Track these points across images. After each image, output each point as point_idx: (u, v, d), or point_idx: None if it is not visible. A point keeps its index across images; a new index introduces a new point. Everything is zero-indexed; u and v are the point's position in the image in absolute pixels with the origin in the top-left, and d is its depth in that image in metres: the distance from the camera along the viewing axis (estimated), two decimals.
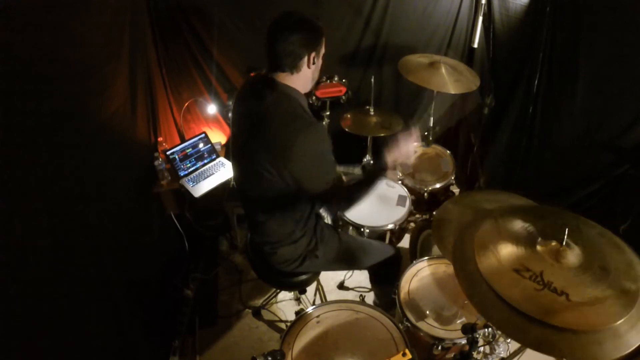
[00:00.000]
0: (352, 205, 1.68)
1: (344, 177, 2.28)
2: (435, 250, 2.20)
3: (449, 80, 2.33)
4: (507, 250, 1.17)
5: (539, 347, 0.97)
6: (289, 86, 1.50)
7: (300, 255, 1.73)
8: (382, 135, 2.63)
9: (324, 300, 2.32)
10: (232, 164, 1.72)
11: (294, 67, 1.47)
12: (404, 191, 2.29)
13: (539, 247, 1.16)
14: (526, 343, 0.99)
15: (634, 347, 0.95)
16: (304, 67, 1.49)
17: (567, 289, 1.04)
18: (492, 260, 1.14)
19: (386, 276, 1.98)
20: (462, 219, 1.65)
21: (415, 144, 1.74)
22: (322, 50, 1.53)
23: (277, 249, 1.71)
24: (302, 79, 1.52)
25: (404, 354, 1.25)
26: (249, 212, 1.76)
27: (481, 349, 1.60)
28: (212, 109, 2.73)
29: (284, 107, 1.47)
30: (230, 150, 1.73)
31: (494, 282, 1.08)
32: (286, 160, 1.43)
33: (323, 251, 1.76)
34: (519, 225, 1.25)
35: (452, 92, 2.31)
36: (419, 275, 1.82)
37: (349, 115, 2.72)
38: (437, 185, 2.44)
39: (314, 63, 1.50)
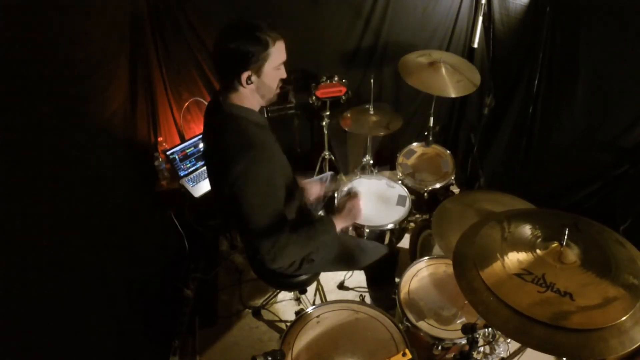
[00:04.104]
0: (301, 251, 1.56)
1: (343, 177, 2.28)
2: (436, 250, 2.20)
3: (450, 82, 2.33)
4: (508, 255, 1.16)
5: (543, 348, 0.97)
6: (234, 105, 1.42)
7: (296, 261, 1.73)
8: (382, 134, 2.64)
9: (324, 300, 2.32)
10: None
11: (232, 87, 1.40)
12: (404, 191, 2.29)
13: (539, 250, 1.16)
14: (531, 344, 0.99)
15: (639, 343, 0.94)
16: (241, 88, 1.39)
17: (570, 289, 1.04)
18: (493, 265, 1.14)
19: (384, 275, 1.98)
20: (462, 218, 1.65)
21: (359, 200, 1.68)
22: (269, 65, 1.37)
23: None
24: (245, 97, 1.43)
25: (404, 354, 1.25)
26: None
27: (481, 349, 1.60)
28: None
29: (227, 129, 1.40)
30: None
31: (496, 288, 1.07)
32: (226, 183, 1.36)
33: (320, 254, 1.76)
34: (518, 228, 1.25)
35: (453, 95, 2.31)
36: (419, 275, 1.82)
37: (348, 115, 2.72)
38: (437, 185, 2.44)
39: (249, 82, 1.37)
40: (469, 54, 2.97)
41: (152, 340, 2.09)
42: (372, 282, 2.08)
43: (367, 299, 2.16)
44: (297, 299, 2.48)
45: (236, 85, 1.39)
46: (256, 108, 1.49)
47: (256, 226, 1.40)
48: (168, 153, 2.46)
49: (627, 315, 0.97)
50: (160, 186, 2.45)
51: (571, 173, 2.37)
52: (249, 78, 1.36)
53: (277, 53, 1.37)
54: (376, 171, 3.04)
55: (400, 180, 2.46)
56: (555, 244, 1.15)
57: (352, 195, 1.69)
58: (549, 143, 2.48)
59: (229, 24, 1.34)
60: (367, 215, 2.13)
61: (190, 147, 2.56)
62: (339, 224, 1.62)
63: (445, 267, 1.85)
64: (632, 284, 1.04)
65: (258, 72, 1.37)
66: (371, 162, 2.95)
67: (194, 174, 2.53)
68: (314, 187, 1.95)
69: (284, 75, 1.45)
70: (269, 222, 1.41)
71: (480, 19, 2.77)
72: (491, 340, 1.57)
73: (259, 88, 1.42)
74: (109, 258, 1.67)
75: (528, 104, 2.52)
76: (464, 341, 1.52)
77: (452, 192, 2.54)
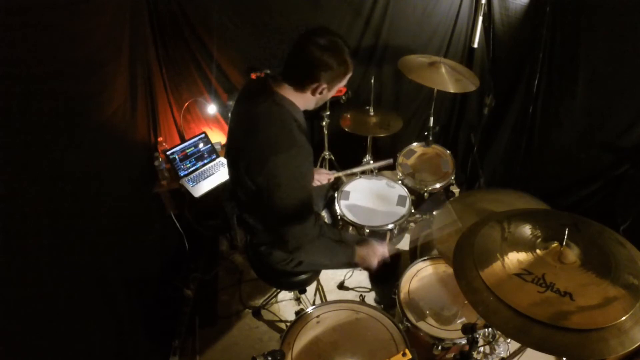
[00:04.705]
0: (310, 257, 1.63)
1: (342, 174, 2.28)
2: (435, 250, 2.20)
3: (449, 79, 2.33)
4: (508, 255, 1.16)
5: (543, 348, 0.97)
6: (287, 99, 1.46)
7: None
8: (381, 135, 2.64)
9: (324, 300, 2.32)
10: (227, 163, 1.73)
11: (299, 86, 1.45)
12: (404, 191, 2.29)
13: (539, 250, 1.16)
14: (531, 344, 0.99)
15: (639, 343, 0.94)
16: (308, 92, 1.46)
17: (570, 289, 1.04)
18: (493, 265, 1.14)
19: (385, 275, 1.98)
20: (464, 221, 1.65)
21: (384, 254, 1.74)
22: (338, 85, 1.48)
23: (272, 250, 1.71)
24: (303, 99, 1.50)
25: (404, 354, 1.25)
26: (241, 213, 1.76)
27: (481, 349, 1.60)
28: (212, 109, 2.73)
29: (275, 118, 1.43)
30: (225, 150, 1.74)
31: (496, 288, 1.07)
32: (261, 171, 1.40)
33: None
34: (518, 228, 1.25)
35: (452, 90, 2.31)
36: (419, 275, 1.82)
37: (348, 115, 2.72)
38: (437, 185, 2.44)
39: (320, 93, 1.46)
40: (469, 54, 2.97)
41: (152, 340, 2.09)
42: (374, 280, 2.08)
43: (367, 299, 2.16)
44: (297, 299, 2.48)
45: (303, 87, 1.45)
46: (302, 109, 1.55)
47: (285, 216, 1.45)
48: (168, 153, 2.46)
49: (627, 315, 0.97)
50: (160, 186, 2.45)
51: (571, 173, 2.37)
52: (324, 90, 1.45)
53: (347, 78, 1.50)
54: (376, 171, 3.04)
55: (400, 180, 2.46)
56: (555, 244, 1.15)
57: (381, 243, 1.75)
58: (549, 143, 2.48)
59: (325, 32, 1.41)
60: (367, 216, 2.13)
61: (190, 147, 2.56)
62: (357, 259, 1.68)
63: (445, 267, 1.85)
64: (632, 284, 1.04)
65: (330, 87, 1.47)
66: (371, 162, 2.95)
67: (194, 174, 2.53)
68: (321, 175, 2.09)
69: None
70: (298, 213, 1.46)
71: (480, 19, 2.76)
72: (491, 340, 1.57)
73: (321, 99, 1.52)
74: (109, 258, 1.67)
75: (528, 103, 2.52)
76: (464, 341, 1.52)
77: (452, 192, 2.55)
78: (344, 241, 1.71)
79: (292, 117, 1.46)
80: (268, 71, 2.25)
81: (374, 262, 1.69)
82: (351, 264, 1.74)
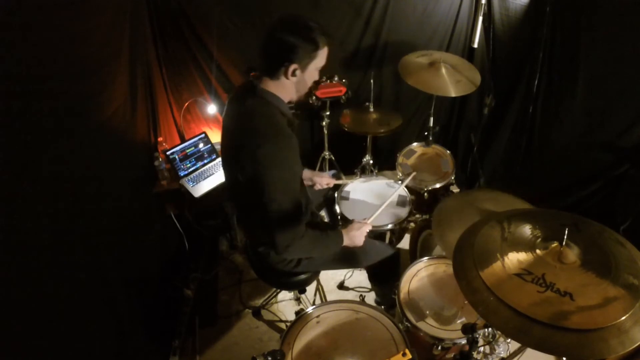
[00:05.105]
0: (303, 249, 1.61)
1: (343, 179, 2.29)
2: (436, 250, 2.20)
3: (450, 81, 2.33)
4: (508, 255, 1.16)
5: (543, 348, 0.97)
6: (269, 92, 1.47)
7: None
8: (381, 133, 2.64)
9: (324, 300, 2.32)
10: (222, 165, 1.73)
11: (272, 73, 1.45)
12: (404, 191, 2.28)
13: (539, 250, 1.16)
14: (531, 344, 0.99)
15: (639, 343, 0.94)
16: (282, 77, 1.45)
17: (570, 289, 1.04)
18: (493, 265, 1.14)
19: (385, 276, 1.98)
20: (462, 217, 1.65)
21: (366, 230, 1.82)
22: (313, 65, 1.46)
23: (270, 250, 1.71)
24: (282, 87, 1.49)
25: (404, 354, 1.25)
26: (240, 212, 1.76)
27: (481, 349, 1.60)
28: (212, 109, 2.73)
29: (260, 112, 1.45)
30: (220, 153, 1.75)
31: (496, 288, 1.07)
32: (249, 164, 1.41)
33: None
34: (518, 228, 1.25)
35: (453, 95, 2.33)
36: (419, 275, 1.82)
37: (348, 112, 2.72)
38: (437, 185, 2.44)
39: (293, 75, 1.43)
40: (469, 54, 2.97)
41: (152, 340, 2.09)
42: (374, 281, 2.08)
43: (367, 299, 2.16)
44: (297, 299, 2.48)
45: (279, 74, 1.45)
46: (286, 100, 1.54)
47: (276, 211, 1.44)
48: (168, 153, 2.46)
49: (627, 315, 0.97)
50: (160, 186, 2.45)
51: (571, 173, 2.37)
52: (294, 71, 1.43)
53: (322, 56, 1.47)
54: (376, 171, 3.04)
55: (400, 180, 2.46)
56: (555, 244, 1.15)
57: (363, 221, 1.84)
58: (549, 143, 2.48)
59: (288, 16, 1.42)
60: (367, 216, 2.12)
61: (190, 147, 2.56)
62: (346, 241, 1.73)
63: (445, 267, 1.85)
64: (632, 284, 1.04)
65: (303, 68, 1.44)
66: (371, 162, 2.95)
67: (194, 174, 2.53)
68: (322, 178, 2.10)
69: (317, 77, 1.54)
70: (288, 209, 1.46)
71: (480, 19, 2.77)
72: (491, 340, 1.57)
73: (299, 83, 1.49)
74: (109, 258, 1.67)
75: (528, 103, 2.52)
76: (464, 341, 1.52)
77: (452, 192, 2.55)
78: (328, 228, 1.75)
79: (277, 109, 1.48)
80: None
81: (361, 239, 1.78)
82: (345, 262, 1.78)
